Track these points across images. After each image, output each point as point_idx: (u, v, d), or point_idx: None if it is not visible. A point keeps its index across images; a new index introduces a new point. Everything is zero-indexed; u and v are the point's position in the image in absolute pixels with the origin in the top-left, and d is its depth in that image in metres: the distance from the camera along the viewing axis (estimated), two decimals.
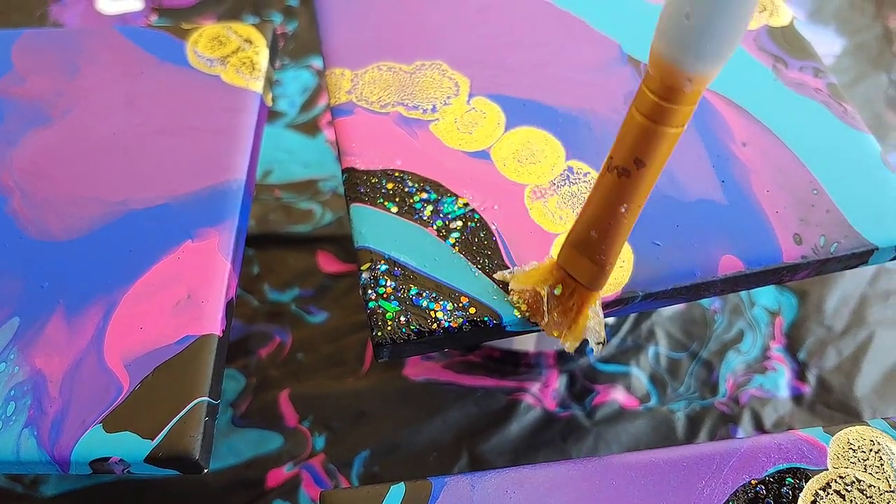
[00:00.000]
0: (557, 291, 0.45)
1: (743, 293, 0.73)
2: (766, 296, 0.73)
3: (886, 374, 0.69)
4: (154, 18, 0.92)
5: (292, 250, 0.75)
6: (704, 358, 0.69)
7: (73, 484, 0.63)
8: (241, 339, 0.70)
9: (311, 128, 0.85)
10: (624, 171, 0.40)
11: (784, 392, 0.68)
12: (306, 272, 0.73)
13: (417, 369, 0.69)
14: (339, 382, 0.68)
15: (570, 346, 0.46)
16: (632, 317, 0.71)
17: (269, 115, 0.84)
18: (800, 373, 0.69)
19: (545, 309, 0.45)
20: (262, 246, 0.75)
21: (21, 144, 0.57)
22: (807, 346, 0.70)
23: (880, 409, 0.67)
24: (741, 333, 0.70)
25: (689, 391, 0.68)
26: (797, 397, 0.68)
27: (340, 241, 0.76)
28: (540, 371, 0.68)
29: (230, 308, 0.50)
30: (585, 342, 0.47)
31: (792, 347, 0.70)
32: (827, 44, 0.90)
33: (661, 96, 0.38)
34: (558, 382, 0.68)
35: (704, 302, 0.73)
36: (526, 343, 0.68)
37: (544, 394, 0.67)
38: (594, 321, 0.45)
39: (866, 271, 0.74)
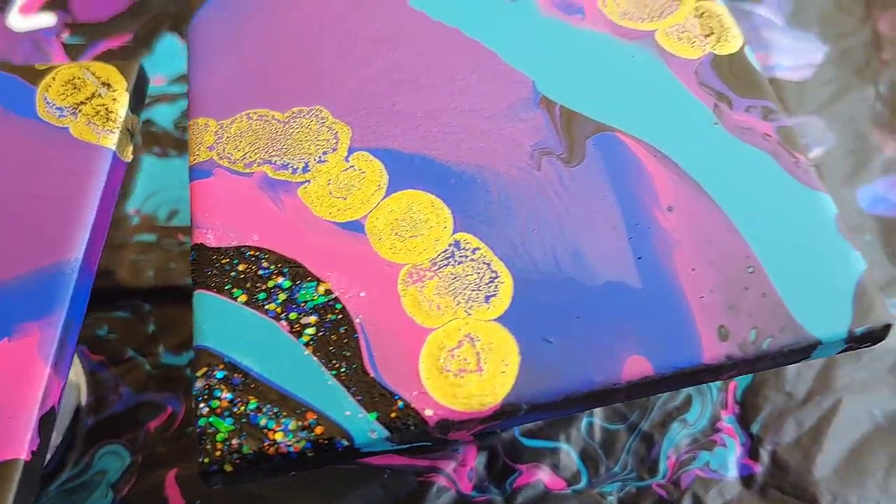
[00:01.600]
0: None
1: None
2: None
3: (851, 450, 0.60)
4: (66, 35, 0.84)
5: None
6: (645, 430, 0.61)
7: None
8: (129, 410, 0.63)
9: None
10: None
11: (732, 472, 0.60)
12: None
13: None
14: None
15: None
16: None
17: (177, 145, 0.76)
18: (752, 449, 0.60)
19: None
20: (161, 301, 0.68)
21: None
22: (762, 417, 0.61)
23: (841, 493, 0.58)
24: (689, 400, 0.62)
25: (624, 470, 0.60)
26: (747, 478, 0.59)
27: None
28: (457, 447, 0.60)
29: (47, 423, 0.42)
30: None
31: (745, 418, 0.61)
32: (808, 51, 0.80)
33: None
34: (476, 461, 0.60)
35: None
36: None
37: (460, 474, 0.59)
38: None
39: None
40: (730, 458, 0.60)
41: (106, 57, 0.82)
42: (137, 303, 0.67)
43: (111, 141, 0.51)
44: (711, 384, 0.63)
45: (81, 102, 0.53)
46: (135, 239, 0.71)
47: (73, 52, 0.83)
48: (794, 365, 0.62)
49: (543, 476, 0.59)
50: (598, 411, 0.62)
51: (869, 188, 0.72)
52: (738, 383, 0.63)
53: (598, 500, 0.58)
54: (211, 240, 0.46)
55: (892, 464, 0.60)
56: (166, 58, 0.83)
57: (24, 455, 0.41)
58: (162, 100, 0.79)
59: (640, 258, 0.45)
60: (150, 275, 0.69)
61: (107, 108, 0.52)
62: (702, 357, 0.42)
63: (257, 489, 0.59)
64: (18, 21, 0.86)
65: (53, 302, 0.45)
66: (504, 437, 0.61)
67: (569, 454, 0.60)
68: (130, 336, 0.66)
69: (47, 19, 0.86)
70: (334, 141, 0.50)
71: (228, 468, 0.39)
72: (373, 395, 0.41)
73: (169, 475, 0.60)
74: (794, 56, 0.79)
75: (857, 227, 0.70)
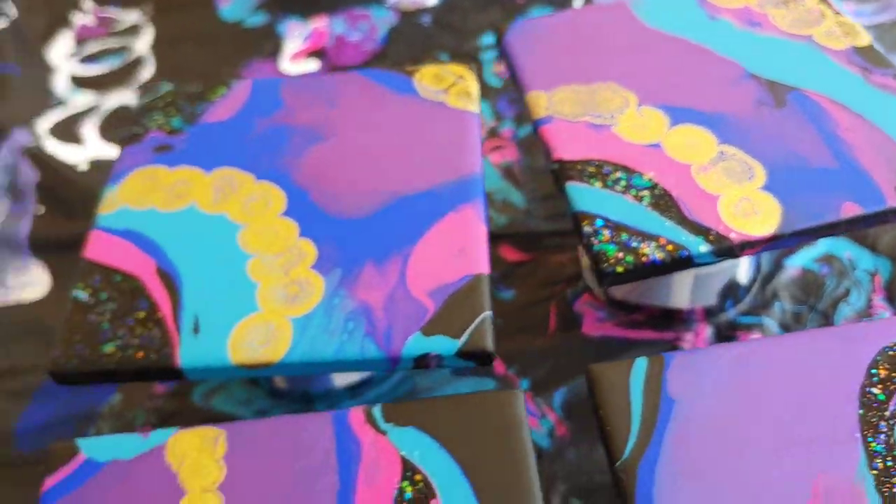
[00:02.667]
0: None
1: (845, 260, 0.91)
2: (865, 261, 0.90)
3: None
4: None
5: None
6: (821, 310, 0.87)
7: None
8: None
9: None
10: None
11: None
12: (493, 262, 0.92)
13: (593, 328, 0.88)
14: (531, 341, 0.86)
15: None
16: (759, 281, 0.89)
17: None
18: None
19: None
20: None
21: (305, 156, 0.77)
22: None
23: None
24: (848, 291, 0.88)
25: None
26: None
27: (515, 238, 0.96)
28: (691, 325, 0.86)
29: (490, 257, 0.69)
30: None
31: (891, 297, 0.87)
32: None
33: None
34: (707, 333, 0.86)
35: (814, 268, 0.90)
36: (680, 301, 0.86)
37: (697, 342, 0.85)
38: None
39: None
40: None
41: None
42: None
43: (476, 108, 0.80)
44: (862, 280, 0.89)
45: (448, 87, 0.81)
46: None
47: None
48: None
49: None
50: (785, 299, 0.88)
51: None
52: (882, 277, 0.89)
53: None
54: (566, 156, 0.74)
55: None
56: None
57: (486, 271, 0.67)
58: None
59: (835, 154, 0.72)
60: None
61: (466, 90, 0.81)
62: (886, 201, 0.69)
63: (552, 357, 0.85)
64: (289, 67, 1.16)
65: (474, 193, 0.72)
66: (723, 317, 0.87)
67: (770, 326, 0.86)
68: None
69: (312, 65, 1.16)
70: (625, 102, 0.78)
71: (620, 270, 0.66)
72: (696, 229, 0.68)
73: None
74: None
75: None
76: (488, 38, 1.18)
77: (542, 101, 0.79)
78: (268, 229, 0.72)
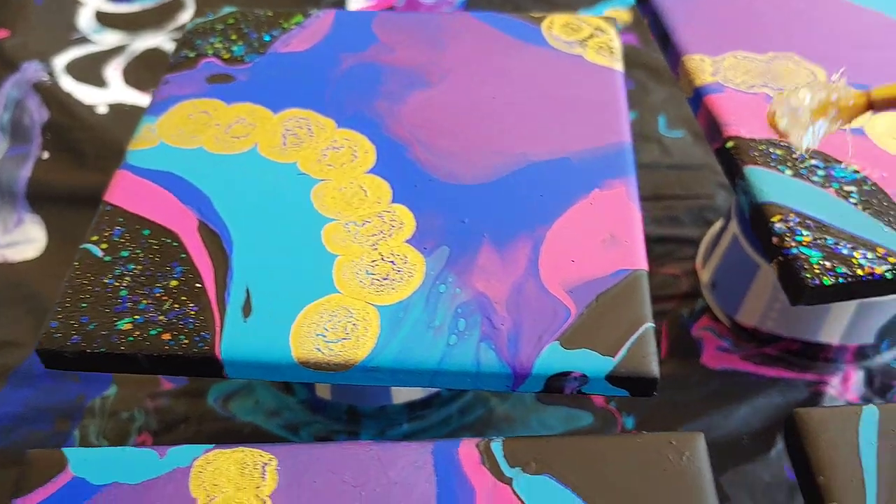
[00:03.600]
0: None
1: None
2: None
3: None
4: None
5: None
6: None
7: None
8: None
9: None
10: None
11: None
12: None
13: (714, 359, 0.70)
14: None
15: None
16: None
17: None
18: None
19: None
20: None
21: (407, 102, 0.60)
22: None
23: None
24: None
25: None
26: None
27: None
28: (838, 366, 0.69)
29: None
30: None
31: None
32: None
33: None
34: (856, 377, 0.69)
35: None
36: (831, 335, 0.69)
37: (845, 387, 0.68)
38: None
39: None
40: None
41: None
42: None
43: (620, 66, 0.63)
44: None
45: (584, 39, 0.64)
46: None
47: None
48: None
49: None
50: None
51: None
52: None
53: None
54: (744, 133, 0.57)
55: None
56: None
57: (645, 267, 0.50)
58: None
59: None
60: None
61: (608, 45, 0.64)
62: None
63: (665, 389, 0.67)
64: None
65: (624, 168, 0.55)
66: (877, 360, 0.70)
67: None
68: None
69: None
70: (812, 76, 0.61)
71: (828, 281, 0.49)
72: None
73: None
74: None
75: None
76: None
77: (706, 66, 0.62)
78: (352, 188, 0.54)
